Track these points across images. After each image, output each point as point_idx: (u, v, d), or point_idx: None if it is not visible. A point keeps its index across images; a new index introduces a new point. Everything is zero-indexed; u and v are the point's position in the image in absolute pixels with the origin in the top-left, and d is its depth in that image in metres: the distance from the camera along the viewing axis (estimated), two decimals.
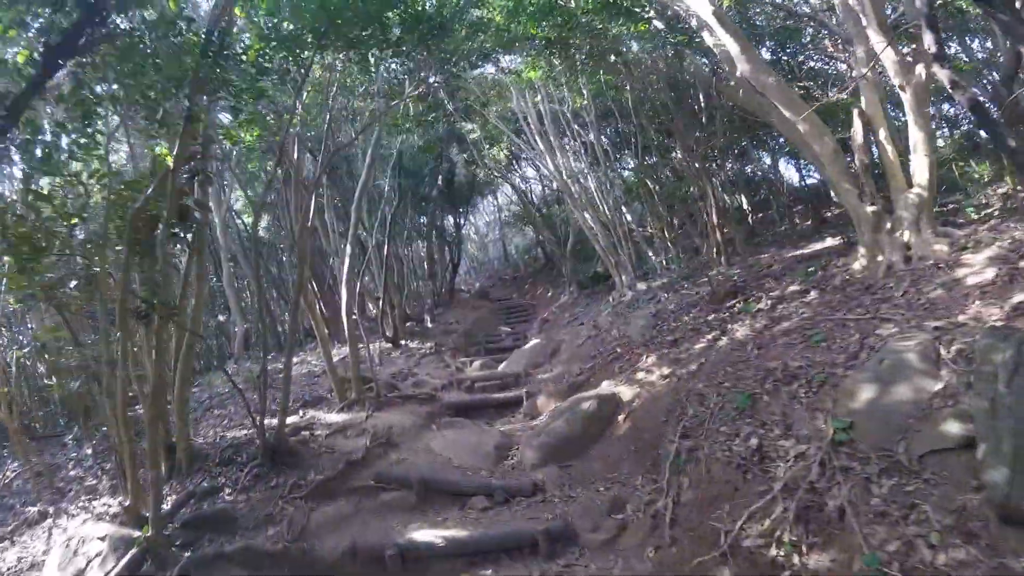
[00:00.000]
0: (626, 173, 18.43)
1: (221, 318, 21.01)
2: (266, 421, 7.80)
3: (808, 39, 15.52)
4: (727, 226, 13.28)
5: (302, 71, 8.22)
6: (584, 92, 14.75)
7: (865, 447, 4.83)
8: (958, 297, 6.52)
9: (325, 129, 9.64)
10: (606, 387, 8.85)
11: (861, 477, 4.60)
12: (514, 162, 22.03)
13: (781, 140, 18.46)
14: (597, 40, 11.38)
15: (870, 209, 8.84)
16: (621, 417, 7.66)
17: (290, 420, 9.64)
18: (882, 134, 9.27)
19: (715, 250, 12.61)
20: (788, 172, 21.73)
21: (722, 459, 5.75)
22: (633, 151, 16.14)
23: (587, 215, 14.77)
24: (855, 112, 9.80)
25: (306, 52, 8.00)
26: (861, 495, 4.48)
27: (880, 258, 8.46)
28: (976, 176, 12.20)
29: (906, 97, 8.62)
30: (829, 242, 11.99)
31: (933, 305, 6.59)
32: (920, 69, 8.59)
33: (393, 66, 9.65)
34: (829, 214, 15.52)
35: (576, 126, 15.31)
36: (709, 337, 8.54)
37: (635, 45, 12.67)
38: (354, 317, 10.85)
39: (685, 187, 15.00)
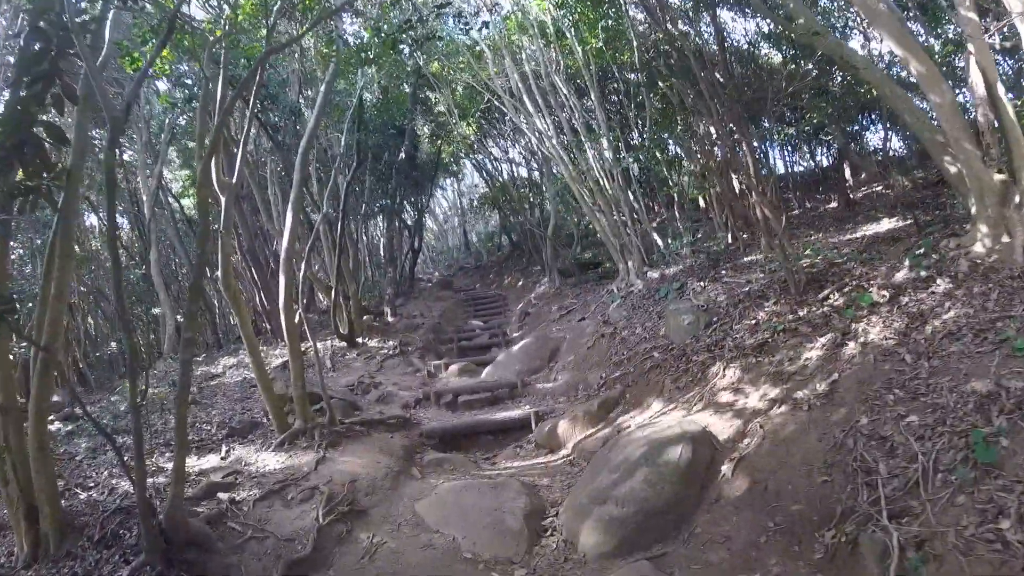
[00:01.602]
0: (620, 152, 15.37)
1: (156, 311, 17.21)
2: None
3: None
4: (770, 204, 10.37)
5: None
6: (580, 51, 11.70)
7: None
8: None
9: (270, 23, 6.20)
10: (667, 412, 5.79)
11: None
12: (483, 140, 18.78)
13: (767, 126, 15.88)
14: None
15: (998, 177, 6.39)
16: (727, 468, 4.58)
17: (207, 464, 6.32)
18: (999, 89, 6.91)
19: (760, 231, 9.66)
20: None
21: (992, 558, 3.08)
22: (631, 122, 13.13)
23: (585, 192, 11.68)
24: (971, 59, 7.24)
25: None
26: None
27: (1007, 239, 6.14)
28: None
29: None
30: (888, 224, 9.39)
31: None
32: None
33: None
34: (853, 196, 12.89)
35: (567, 92, 12.17)
36: (822, 342, 5.64)
37: None
38: (297, 311, 7.48)
39: (702, 161, 12.10)
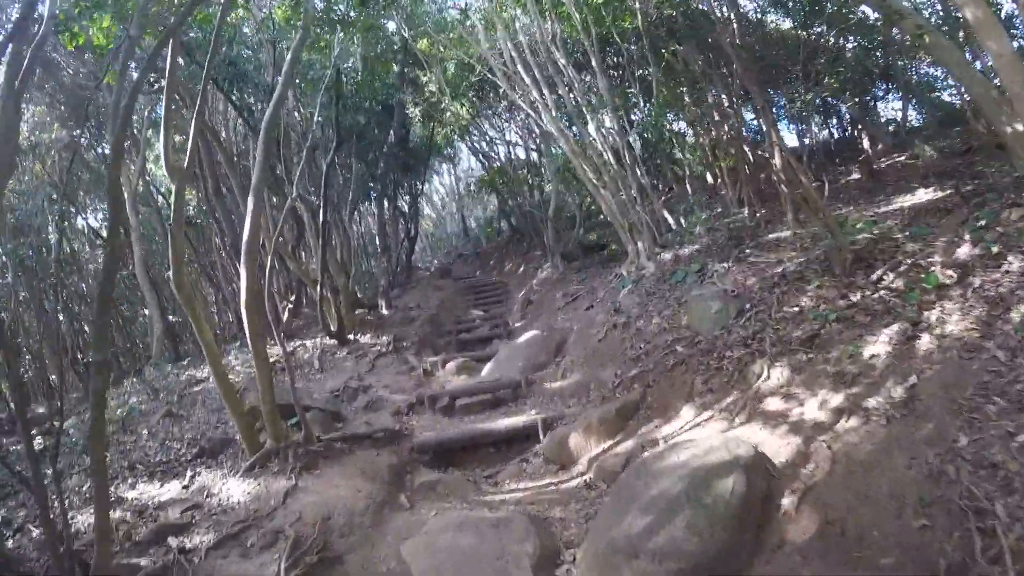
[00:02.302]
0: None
1: (147, 312, 16.19)
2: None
3: None
4: (797, 176, 9.29)
5: None
6: (577, 16, 10.65)
7: None
8: None
9: None
10: (701, 423, 4.78)
11: None
12: (477, 120, 17.62)
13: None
14: None
15: None
16: (789, 502, 3.57)
17: (168, 493, 5.39)
18: None
19: (787, 205, 8.64)
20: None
21: None
22: (636, 95, 12.02)
23: (588, 168, 10.60)
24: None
25: None
26: None
27: None
28: None
29: None
30: (924, 195, 8.35)
31: None
32: None
33: None
34: (876, 167, 11.78)
35: (565, 62, 11.06)
36: (887, 334, 4.61)
37: None
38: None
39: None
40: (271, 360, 9.87)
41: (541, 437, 6.08)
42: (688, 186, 12.36)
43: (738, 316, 6.04)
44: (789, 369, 4.76)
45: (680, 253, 9.39)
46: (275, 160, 10.60)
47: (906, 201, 8.33)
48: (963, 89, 13.24)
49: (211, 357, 5.85)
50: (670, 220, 10.95)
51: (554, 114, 10.91)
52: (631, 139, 10.65)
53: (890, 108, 17.97)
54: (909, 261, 5.63)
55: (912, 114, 15.47)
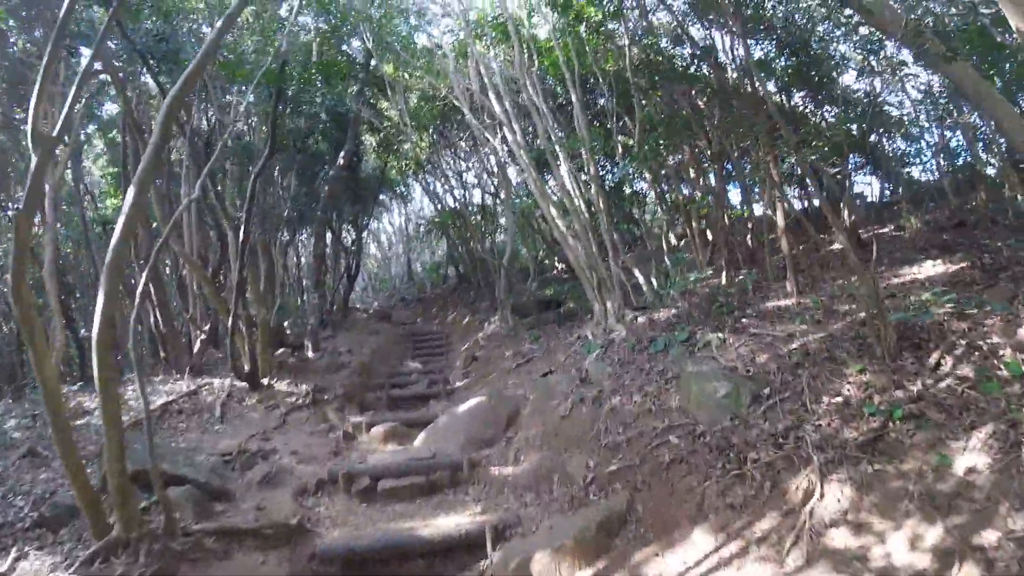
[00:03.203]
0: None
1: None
2: None
3: None
4: (791, 239, 8.27)
5: None
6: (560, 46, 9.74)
7: None
8: None
9: None
10: (730, 559, 3.42)
11: None
12: (435, 158, 16.39)
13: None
14: None
15: None
16: None
17: None
18: None
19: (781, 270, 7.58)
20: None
21: None
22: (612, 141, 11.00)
23: (555, 215, 9.41)
24: None
25: None
26: None
27: None
28: None
29: None
30: (932, 267, 7.42)
31: None
32: None
33: None
34: (861, 238, 11.01)
35: (542, 98, 9.96)
36: (979, 438, 3.44)
37: None
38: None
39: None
40: (171, 399, 8.20)
41: (489, 550, 4.53)
42: (657, 245, 11.33)
43: (754, 403, 4.74)
44: (851, 485, 3.45)
45: (655, 317, 8.18)
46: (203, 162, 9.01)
47: (917, 273, 7.37)
48: (945, 166, 13.02)
49: (49, 401, 4.19)
50: (640, 279, 9.78)
51: (524, 152, 9.75)
52: (616, 179, 9.55)
53: (859, 181, 17.73)
54: (964, 342, 4.51)
55: (886, 186, 15.22)
